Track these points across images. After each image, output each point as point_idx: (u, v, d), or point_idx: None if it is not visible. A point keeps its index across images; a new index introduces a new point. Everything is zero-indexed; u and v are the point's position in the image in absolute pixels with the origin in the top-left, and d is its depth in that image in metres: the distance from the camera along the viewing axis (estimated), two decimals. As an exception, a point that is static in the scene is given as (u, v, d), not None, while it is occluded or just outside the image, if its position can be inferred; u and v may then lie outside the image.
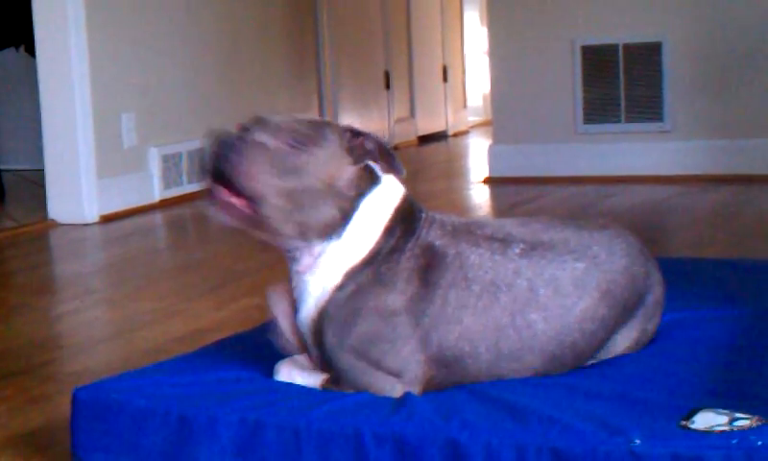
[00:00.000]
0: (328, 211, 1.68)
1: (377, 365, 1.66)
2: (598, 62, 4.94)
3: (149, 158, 4.84)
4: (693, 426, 1.44)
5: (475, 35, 8.60)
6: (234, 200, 1.65)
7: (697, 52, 4.80)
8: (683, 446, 1.39)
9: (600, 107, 4.95)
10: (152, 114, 4.87)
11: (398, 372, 1.65)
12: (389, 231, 1.71)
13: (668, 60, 4.82)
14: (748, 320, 1.99)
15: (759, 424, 1.43)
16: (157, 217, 4.66)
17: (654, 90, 4.86)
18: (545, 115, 5.07)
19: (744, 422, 1.44)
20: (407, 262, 1.69)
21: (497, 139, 5.25)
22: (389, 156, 1.73)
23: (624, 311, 1.75)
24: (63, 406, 1.95)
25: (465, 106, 8.41)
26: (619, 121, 4.93)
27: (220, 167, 1.65)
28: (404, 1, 7.33)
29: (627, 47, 4.88)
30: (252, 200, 1.64)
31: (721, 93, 4.76)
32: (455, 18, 8.20)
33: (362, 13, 6.89)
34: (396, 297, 1.67)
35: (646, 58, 4.86)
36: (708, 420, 1.45)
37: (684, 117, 4.83)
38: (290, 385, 1.72)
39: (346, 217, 1.69)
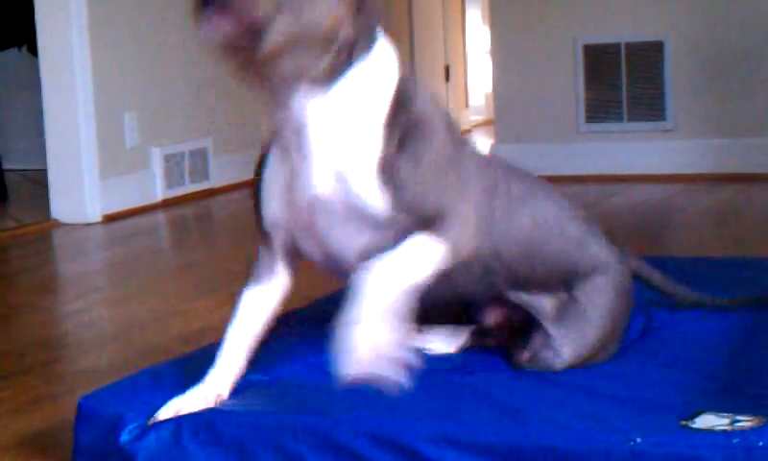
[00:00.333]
0: (324, 61, 1.57)
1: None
2: (600, 61, 4.94)
3: (151, 158, 4.84)
4: (694, 426, 1.44)
5: (477, 34, 8.59)
6: (231, 26, 1.50)
7: (699, 51, 4.80)
8: (683, 444, 1.40)
9: (602, 106, 4.95)
10: (154, 114, 4.87)
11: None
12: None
13: (670, 60, 4.83)
14: (749, 319, 1.99)
15: (761, 424, 1.43)
16: (160, 217, 4.66)
17: (656, 89, 4.86)
18: (548, 114, 5.07)
19: (745, 423, 1.44)
20: None
21: (500, 138, 5.26)
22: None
23: None
24: (68, 406, 1.95)
25: (467, 105, 8.41)
26: (621, 120, 4.93)
27: None
28: (406, 0, 7.34)
29: (629, 46, 4.88)
30: (250, 28, 1.49)
31: (723, 92, 4.76)
32: (457, 17, 8.20)
33: (364, 13, 6.88)
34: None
35: (648, 57, 4.86)
36: (709, 421, 1.46)
37: (687, 116, 4.83)
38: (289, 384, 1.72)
39: (338, 73, 1.59)
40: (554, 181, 4.97)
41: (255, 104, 5.58)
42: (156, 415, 1.64)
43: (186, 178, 5.01)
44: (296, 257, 1.75)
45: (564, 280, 1.79)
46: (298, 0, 1.50)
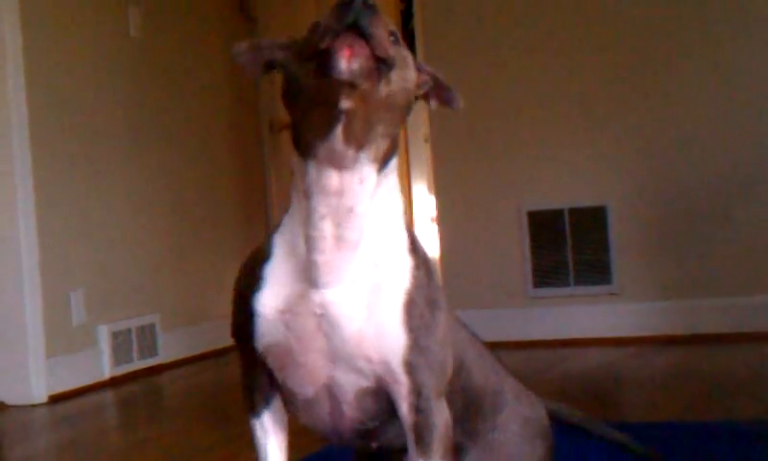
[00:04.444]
0: (395, 129, 1.48)
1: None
2: (545, 227, 5.01)
3: (98, 335, 4.79)
4: None
5: (423, 203, 8.70)
6: (364, 58, 1.38)
7: (641, 214, 4.89)
8: None
9: (549, 271, 5.00)
10: (101, 291, 4.85)
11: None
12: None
13: (613, 224, 4.91)
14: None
15: None
16: (108, 395, 4.59)
17: (600, 253, 4.92)
18: (495, 280, 5.11)
19: None
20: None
21: (448, 305, 5.26)
22: (444, 86, 1.60)
23: None
24: None
25: (415, 272, 8.44)
26: (569, 285, 4.98)
27: (362, 23, 1.38)
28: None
29: (572, 212, 4.96)
30: (378, 66, 1.40)
31: (667, 254, 4.84)
32: (404, 190, 8.30)
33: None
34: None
35: (592, 222, 4.94)
36: None
37: (632, 279, 4.89)
38: None
39: (390, 156, 1.51)
40: (504, 346, 5.02)
41: (203, 277, 5.58)
42: None
43: (134, 354, 4.95)
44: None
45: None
46: (402, 56, 1.47)
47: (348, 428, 1.63)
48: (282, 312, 1.54)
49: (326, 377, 1.56)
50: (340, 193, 1.48)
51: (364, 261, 1.51)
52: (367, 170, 1.47)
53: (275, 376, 1.63)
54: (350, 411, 1.60)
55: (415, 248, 1.58)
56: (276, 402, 1.67)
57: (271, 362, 1.59)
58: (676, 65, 4.84)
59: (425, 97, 1.61)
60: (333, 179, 1.47)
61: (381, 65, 1.39)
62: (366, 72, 1.38)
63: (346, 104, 1.39)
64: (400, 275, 1.54)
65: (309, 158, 1.48)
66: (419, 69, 1.57)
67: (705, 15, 4.79)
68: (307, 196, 1.49)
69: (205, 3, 5.89)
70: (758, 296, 4.65)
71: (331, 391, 1.58)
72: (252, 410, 1.68)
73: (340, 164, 1.46)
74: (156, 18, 5.39)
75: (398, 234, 1.55)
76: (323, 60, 1.38)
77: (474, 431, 1.78)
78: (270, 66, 1.59)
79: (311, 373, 1.56)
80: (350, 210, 1.49)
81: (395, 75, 1.42)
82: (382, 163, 1.50)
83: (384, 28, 1.41)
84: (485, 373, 1.81)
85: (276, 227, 1.61)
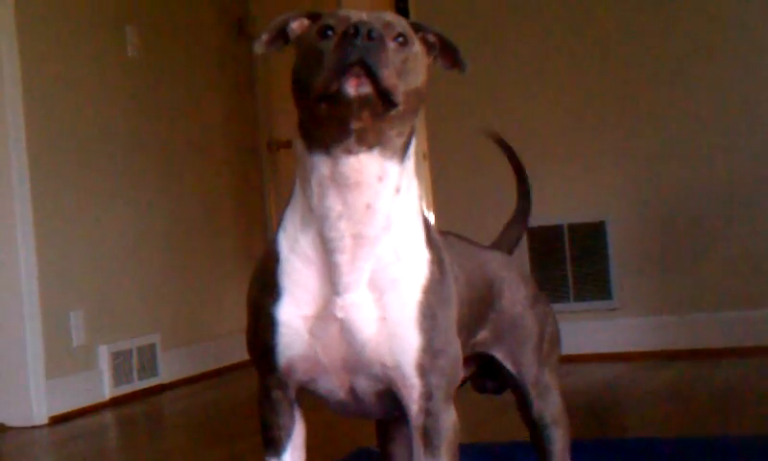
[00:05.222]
0: (412, 123, 1.50)
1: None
2: (544, 243, 5.01)
3: (98, 356, 4.79)
4: None
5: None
6: (371, 87, 1.39)
7: (640, 229, 4.89)
8: None
9: (549, 286, 4.99)
10: (100, 311, 4.84)
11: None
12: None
13: (612, 239, 4.91)
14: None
15: None
16: (108, 416, 4.58)
17: (600, 269, 4.92)
18: (495, 297, 5.09)
19: None
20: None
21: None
22: (452, 49, 1.58)
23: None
24: None
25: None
26: (568, 300, 4.98)
27: (367, 60, 1.39)
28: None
29: (572, 227, 4.97)
30: (383, 92, 1.40)
31: (666, 269, 4.83)
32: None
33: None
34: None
35: (591, 237, 4.94)
36: None
37: (632, 294, 4.89)
38: None
39: (407, 147, 1.52)
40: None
41: (202, 296, 5.58)
42: None
43: (135, 375, 4.95)
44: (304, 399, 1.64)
45: None
46: (412, 56, 1.47)
47: (376, 416, 1.68)
48: (306, 319, 1.51)
49: (348, 382, 1.56)
50: (357, 190, 1.46)
51: (384, 256, 1.50)
52: (386, 165, 1.47)
53: (297, 397, 1.61)
54: (375, 409, 1.61)
55: (430, 238, 1.57)
56: (298, 439, 1.62)
57: (296, 377, 1.56)
58: (674, 80, 4.84)
59: (434, 60, 1.60)
60: (350, 173, 1.46)
61: (388, 97, 1.40)
62: (373, 105, 1.40)
63: (356, 125, 1.41)
64: (418, 269, 1.53)
65: (321, 154, 1.47)
66: (424, 38, 1.56)
67: (701, 29, 4.80)
68: (321, 196, 1.48)
69: (203, 23, 5.91)
70: (759, 310, 4.65)
71: (354, 393, 1.58)
72: (273, 448, 1.61)
73: (356, 162, 1.45)
74: (153, 39, 5.40)
75: (416, 226, 1.54)
76: (330, 98, 1.40)
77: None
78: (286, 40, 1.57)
79: (340, 378, 1.56)
80: (368, 207, 1.47)
81: (403, 88, 1.42)
82: (402, 156, 1.49)
83: (389, 54, 1.41)
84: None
85: (279, 224, 1.58)
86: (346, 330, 1.50)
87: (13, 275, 4.44)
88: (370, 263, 1.49)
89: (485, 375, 1.93)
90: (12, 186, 4.43)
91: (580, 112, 4.98)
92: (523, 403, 1.90)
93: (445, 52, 1.58)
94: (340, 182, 1.46)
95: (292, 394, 1.60)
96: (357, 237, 1.48)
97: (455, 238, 1.83)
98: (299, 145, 1.51)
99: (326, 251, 1.48)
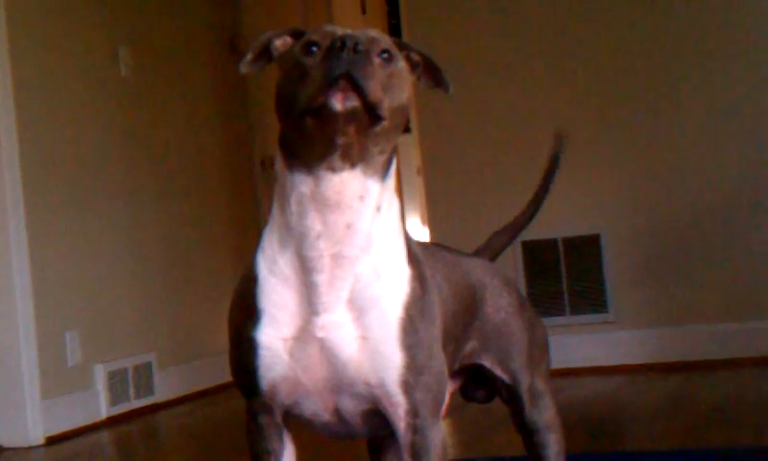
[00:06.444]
0: (394, 141, 1.49)
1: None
2: (539, 257, 5.01)
3: (94, 375, 4.78)
4: None
5: (417, 236, 8.72)
6: (357, 101, 1.39)
7: (635, 242, 4.89)
8: None
9: (544, 300, 4.99)
10: (96, 331, 4.83)
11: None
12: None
13: (607, 252, 4.91)
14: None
15: None
16: (105, 436, 4.57)
17: (595, 282, 4.92)
18: (491, 312, 5.09)
19: None
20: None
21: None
22: (435, 68, 1.59)
23: None
24: None
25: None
26: (564, 313, 4.97)
27: (353, 74, 1.38)
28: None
29: (566, 241, 4.97)
30: (368, 106, 1.40)
31: (662, 281, 4.84)
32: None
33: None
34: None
35: (586, 250, 4.94)
36: None
37: (627, 307, 4.89)
38: None
39: (389, 166, 1.52)
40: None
41: (198, 316, 5.57)
42: None
43: (131, 394, 4.93)
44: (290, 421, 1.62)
45: None
46: (396, 73, 1.47)
47: (363, 435, 1.66)
48: (285, 340, 1.51)
49: (333, 403, 1.55)
50: (338, 209, 1.46)
51: (364, 276, 1.50)
52: (368, 183, 1.47)
53: (284, 420, 1.60)
54: (361, 429, 1.60)
55: (411, 255, 1.57)
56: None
57: (280, 400, 1.56)
58: (670, 94, 4.85)
59: (418, 79, 1.60)
60: (330, 194, 1.45)
61: (374, 111, 1.40)
62: (359, 119, 1.39)
63: (342, 140, 1.41)
64: (399, 286, 1.52)
65: (302, 172, 1.47)
66: (408, 57, 1.57)
67: (699, 43, 4.82)
68: (301, 215, 1.47)
69: (196, 42, 5.91)
70: (755, 321, 4.65)
71: (340, 414, 1.57)
72: None
73: (338, 181, 1.44)
74: (146, 58, 5.40)
75: (396, 244, 1.54)
76: (316, 112, 1.39)
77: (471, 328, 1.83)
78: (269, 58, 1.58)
79: (324, 399, 1.55)
80: (349, 227, 1.47)
81: (388, 103, 1.42)
82: (383, 174, 1.49)
83: (375, 68, 1.42)
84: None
85: (258, 245, 1.58)
86: (326, 350, 1.49)
87: (8, 295, 4.43)
88: (349, 282, 1.49)
89: (474, 383, 1.92)
90: (6, 206, 4.42)
91: (574, 126, 4.99)
92: (515, 410, 1.89)
93: (429, 71, 1.59)
94: (320, 202, 1.45)
95: (278, 418, 1.59)
96: (336, 257, 1.47)
97: (437, 249, 1.83)
98: (278, 163, 1.51)
99: (304, 270, 1.48)
